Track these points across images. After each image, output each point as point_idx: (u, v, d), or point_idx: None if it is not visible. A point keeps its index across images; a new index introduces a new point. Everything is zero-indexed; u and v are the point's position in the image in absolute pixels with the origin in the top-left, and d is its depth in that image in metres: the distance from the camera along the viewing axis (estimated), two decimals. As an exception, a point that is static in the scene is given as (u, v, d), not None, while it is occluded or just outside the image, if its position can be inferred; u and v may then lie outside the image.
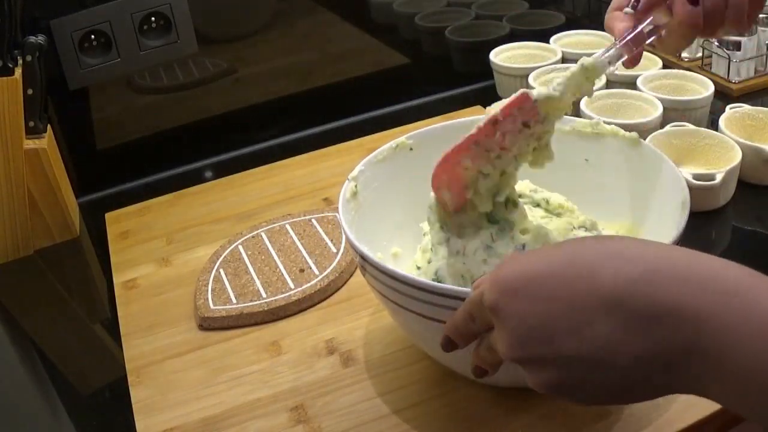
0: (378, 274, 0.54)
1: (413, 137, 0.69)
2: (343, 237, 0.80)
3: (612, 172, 0.68)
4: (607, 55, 0.56)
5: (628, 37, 0.56)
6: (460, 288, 0.50)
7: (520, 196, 0.65)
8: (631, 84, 0.98)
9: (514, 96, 0.54)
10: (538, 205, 0.65)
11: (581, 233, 0.62)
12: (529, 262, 0.41)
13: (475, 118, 0.73)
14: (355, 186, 0.64)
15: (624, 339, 0.36)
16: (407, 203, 0.68)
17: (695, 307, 0.35)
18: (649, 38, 0.57)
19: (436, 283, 0.52)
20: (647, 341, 0.36)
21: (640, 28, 0.57)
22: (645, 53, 1.08)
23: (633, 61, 0.57)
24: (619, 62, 0.57)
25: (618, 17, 0.59)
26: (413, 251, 0.66)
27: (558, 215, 0.65)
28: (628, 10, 0.58)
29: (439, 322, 0.52)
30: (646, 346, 0.36)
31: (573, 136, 0.69)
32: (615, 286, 0.36)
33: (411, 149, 0.69)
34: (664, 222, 0.60)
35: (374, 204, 0.65)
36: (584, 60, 0.55)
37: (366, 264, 0.55)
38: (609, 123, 0.69)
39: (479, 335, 0.46)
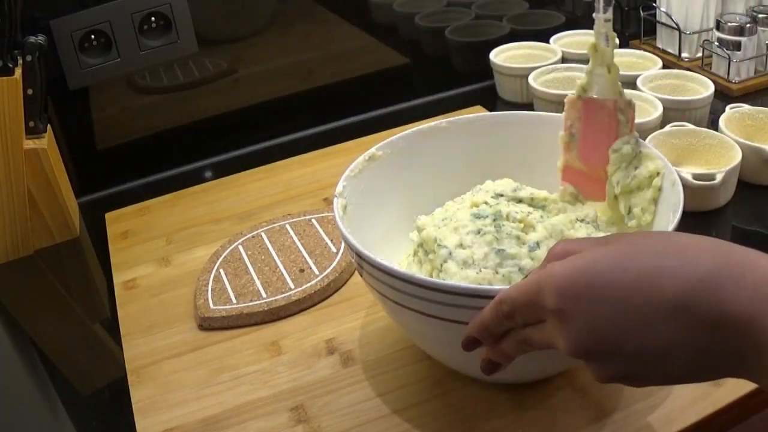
0: (375, 272, 0.54)
1: (383, 147, 0.68)
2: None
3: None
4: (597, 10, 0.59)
5: None
6: (458, 284, 0.50)
7: (501, 194, 0.65)
8: (631, 84, 0.98)
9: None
10: (521, 201, 0.65)
11: (582, 226, 0.62)
12: (588, 263, 0.41)
13: (467, 117, 0.74)
14: (344, 200, 0.63)
15: (685, 339, 0.38)
16: (391, 213, 0.68)
17: (750, 311, 0.37)
18: None
19: (435, 280, 0.52)
20: (708, 342, 0.38)
21: None
22: (644, 53, 1.09)
23: None
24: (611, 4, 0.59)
25: None
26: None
27: (543, 208, 0.66)
28: None
29: (438, 319, 0.52)
30: (707, 346, 0.38)
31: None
32: (675, 292, 0.38)
33: (383, 158, 0.68)
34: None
35: (360, 218, 0.64)
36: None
37: (363, 262, 0.55)
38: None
39: (508, 332, 0.47)
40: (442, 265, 0.58)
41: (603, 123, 0.63)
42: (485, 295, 0.48)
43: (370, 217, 0.66)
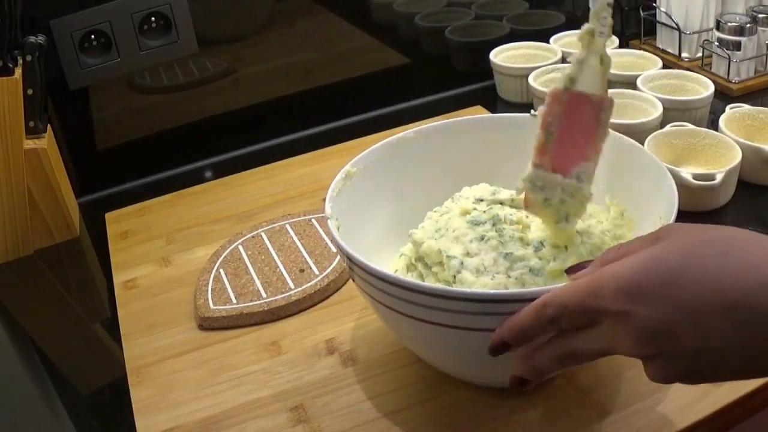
0: (368, 277, 0.54)
1: (357, 163, 0.67)
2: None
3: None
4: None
5: None
6: (450, 288, 0.50)
7: (481, 200, 0.65)
8: (631, 84, 0.98)
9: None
10: (501, 204, 0.65)
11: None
12: (649, 261, 0.41)
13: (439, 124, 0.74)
14: (336, 222, 0.62)
15: (748, 337, 0.38)
16: (374, 228, 0.67)
17: None
18: None
19: (424, 284, 0.52)
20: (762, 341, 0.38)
21: None
22: (644, 53, 1.09)
23: None
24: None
25: None
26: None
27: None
28: None
29: (429, 324, 0.52)
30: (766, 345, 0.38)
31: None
32: (737, 292, 0.38)
33: (358, 174, 0.67)
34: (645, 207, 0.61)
35: (347, 236, 0.63)
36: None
37: (354, 266, 0.55)
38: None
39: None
40: (455, 276, 0.58)
41: (586, 123, 0.57)
42: (505, 300, 0.48)
43: (356, 234, 0.64)
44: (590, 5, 0.55)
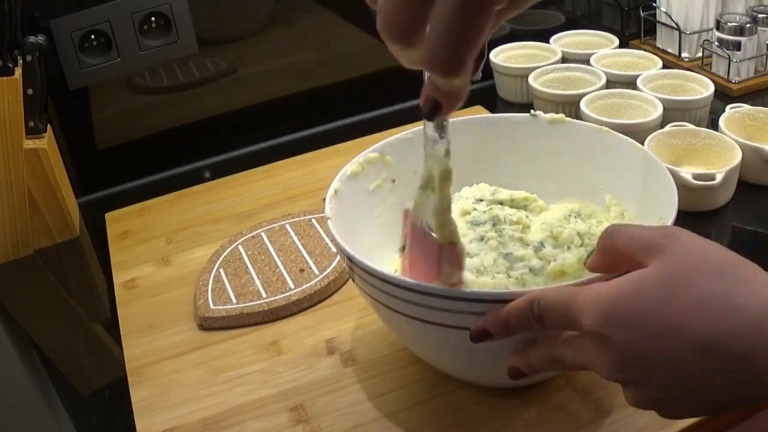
0: (368, 277, 0.54)
1: (357, 163, 0.66)
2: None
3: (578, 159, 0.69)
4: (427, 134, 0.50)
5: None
6: (450, 288, 0.50)
7: (480, 200, 0.65)
8: (631, 84, 0.98)
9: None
10: (501, 204, 0.65)
11: (576, 220, 0.62)
12: (633, 289, 0.41)
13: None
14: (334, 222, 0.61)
15: (721, 376, 0.39)
16: (378, 228, 0.67)
17: None
18: None
19: (424, 284, 0.52)
20: (742, 380, 0.38)
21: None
22: (644, 53, 1.08)
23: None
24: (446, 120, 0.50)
25: None
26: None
27: (525, 207, 0.66)
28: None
29: (429, 324, 0.52)
30: (740, 384, 0.38)
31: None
32: (714, 333, 0.38)
33: (358, 175, 0.67)
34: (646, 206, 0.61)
35: (349, 235, 0.62)
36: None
37: (354, 266, 0.55)
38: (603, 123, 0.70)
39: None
40: None
41: (427, 257, 0.51)
42: (505, 300, 0.48)
43: (356, 234, 0.64)
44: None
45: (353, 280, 0.58)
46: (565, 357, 0.45)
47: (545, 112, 0.70)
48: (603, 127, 0.68)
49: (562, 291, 0.44)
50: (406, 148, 0.69)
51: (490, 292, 0.51)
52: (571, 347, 0.45)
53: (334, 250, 0.79)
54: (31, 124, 0.86)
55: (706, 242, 0.42)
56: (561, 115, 0.69)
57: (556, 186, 0.69)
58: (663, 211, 0.58)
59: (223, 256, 0.81)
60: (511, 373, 0.50)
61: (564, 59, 1.10)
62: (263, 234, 0.84)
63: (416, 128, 0.71)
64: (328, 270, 0.76)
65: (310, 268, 0.77)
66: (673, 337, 0.39)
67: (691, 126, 0.88)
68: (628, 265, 0.43)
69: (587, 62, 1.06)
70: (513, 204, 0.65)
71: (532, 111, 0.70)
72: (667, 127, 0.87)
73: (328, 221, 0.59)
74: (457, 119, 0.72)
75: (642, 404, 0.42)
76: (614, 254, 0.45)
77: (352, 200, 0.65)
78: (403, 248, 0.55)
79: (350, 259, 0.54)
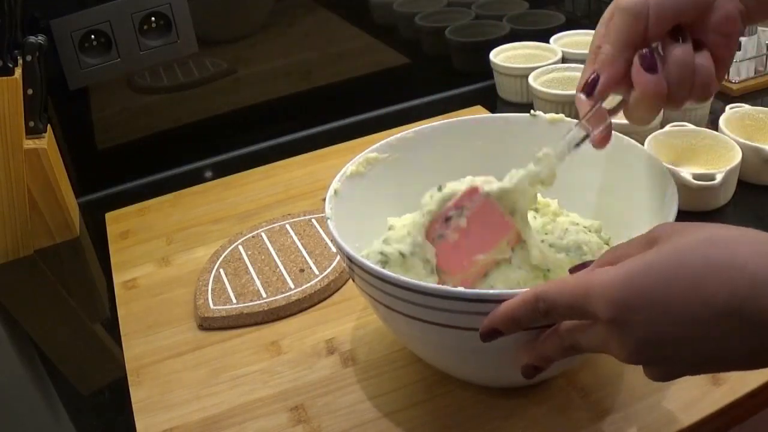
0: (367, 277, 0.54)
1: (357, 163, 0.66)
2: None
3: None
4: (566, 140, 0.55)
5: (587, 115, 0.53)
6: (446, 288, 0.50)
7: None
8: (631, 84, 0.98)
9: (464, 188, 0.57)
10: None
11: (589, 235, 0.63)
12: (638, 272, 0.41)
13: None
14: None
15: (738, 344, 0.39)
16: (377, 228, 0.66)
17: None
18: (614, 114, 0.53)
19: (424, 284, 0.52)
20: (757, 342, 0.39)
21: (599, 105, 0.53)
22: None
23: (601, 141, 0.54)
24: (586, 142, 0.54)
25: (582, 96, 0.55)
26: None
27: (536, 210, 0.66)
28: (581, 96, 0.53)
29: (429, 323, 0.52)
30: (759, 346, 0.39)
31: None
32: (726, 299, 0.39)
33: (358, 175, 0.67)
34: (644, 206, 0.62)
35: (349, 235, 0.63)
36: (539, 154, 0.56)
37: (354, 266, 0.55)
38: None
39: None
40: None
41: (487, 232, 0.58)
42: (503, 300, 0.48)
43: (356, 234, 0.65)
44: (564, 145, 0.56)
45: (353, 280, 0.58)
46: (580, 343, 0.46)
47: (545, 112, 0.70)
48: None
49: (566, 285, 0.44)
50: (406, 148, 0.69)
51: (489, 293, 0.51)
52: (585, 333, 0.45)
53: (334, 250, 0.79)
54: (31, 124, 0.86)
55: (697, 223, 0.44)
56: (561, 115, 0.69)
57: (555, 186, 0.69)
58: (664, 211, 0.58)
59: (223, 256, 0.81)
60: (525, 372, 0.50)
61: (564, 59, 1.10)
62: (263, 234, 0.84)
63: (417, 128, 0.71)
64: (328, 270, 0.76)
65: (310, 268, 0.77)
66: (684, 313, 0.39)
67: (691, 126, 0.88)
68: None
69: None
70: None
71: (532, 111, 0.70)
72: (667, 127, 0.87)
73: (328, 221, 0.59)
74: (458, 119, 0.72)
75: (662, 378, 0.44)
76: (614, 263, 0.45)
77: (352, 200, 0.65)
78: (448, 219, 0.58)
79: (350, 259, 0.54)
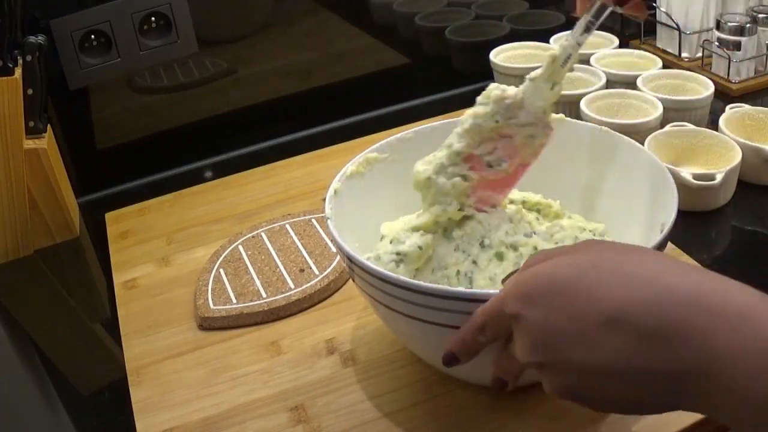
0: (368, 277, 0.54)
1: (356, 163, 0.67)
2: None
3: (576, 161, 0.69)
4: (574, 33, 0.58)
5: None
6: (446, 287, 0.50)
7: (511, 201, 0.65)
8: (631, 84, 0.98)
9: None
10: (512, 203, 0.65)
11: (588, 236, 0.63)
12: (549, 269, 0.41)
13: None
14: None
15: (632, 355, 0.37)
16: (377, 228, 0.67)
17: (703, 329, 0.35)
18: None
19: (424, 284, 0.52)
20: (655, 358, 0.37)
21: None
22: (644, 53, 1.08)
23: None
24: (607, 12, 0.57)
25: None
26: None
27: (537, 210, 0.66)
28: None
29: (428, 323, 0.52)
30: (654, 364, 0.37)
31: None
32: (625, 304, 0.38)
33: (358, 174, 0.67)
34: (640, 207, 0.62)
35: (349, 235, 0.63)
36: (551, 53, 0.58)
37: (354, 266, 0.55)
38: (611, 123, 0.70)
39: (484, 348, 0.47)
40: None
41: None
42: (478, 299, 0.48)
43: (356, 234, 0.65)
44: (569, 34, 0.58)
45: (353, 281, 0.58)
46: (515, 352, 0.45)
47: None
48: (603, 127, 0.68)
49: (495, 295, 0.45)
50: (406, 148, 0.69)
51: (486, 293, 0.51)
52: (514, 341, 0.44)
53: (334, 250, 0.79)
54: (31, 124, 0.86)
55: (623, 244, 0.44)
56: (561, 115, 0.69)
57: (555, 186, 0.69)
58: (663, 211, 0.58)
59: (223, 256, 0.81)
60: (494, 386, 0.50)
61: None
62: (263, 234, 0.84)
63: (417, 128, 0.71)
64: (328, 270, 0.76)
65: (310, 268, 0.77)
66: (582, 313, 0.39)
67: (691, 126, 0.88)
68: None
69: (587, 62, 1.06)
70: (527, 206, 0.65)
71: None
72: (667, 127, 0.87)
73: (328, 221, 0.59)
74: (455, 120, 0.72)
75: (558, 390, 0.41)
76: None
77: (352, 200, 0.65)
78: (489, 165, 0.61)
79: (350, 259, 0.54)
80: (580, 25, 0.58)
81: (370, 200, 0.67)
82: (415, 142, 0.70)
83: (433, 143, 0.70)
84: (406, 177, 0.69)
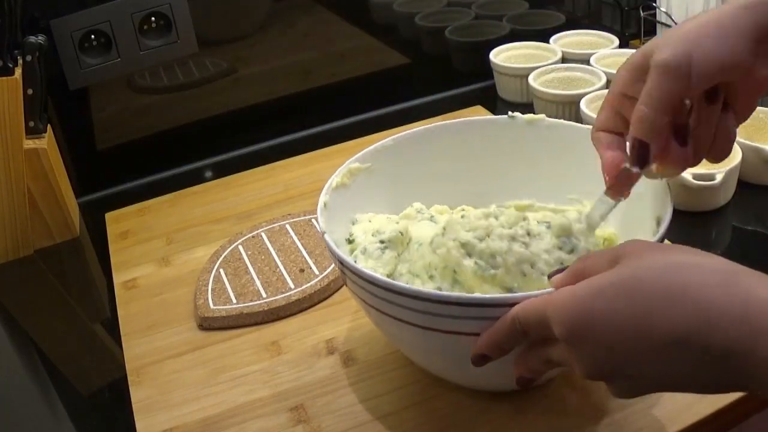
0: (359, 281, 0.53)
1: (355, 163, 0.66)
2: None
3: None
4: (599, 213, 0.54)
5: (618, 184, 0.52)
6: (446, 293, 0.50)
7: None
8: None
9: None
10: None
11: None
12: (589, 297, 0.42)
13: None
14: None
15: (689, 371, 0.39)
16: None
17: (751, 346, 0.37)
18: (638, 178, 0.51)
19: (420, 289, 0.51)
20: (707, 371, 0.39)
21: (629, 167, 0.51)
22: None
23: (627, 195, 0.54)
24: (616, 206, 0.54)
25: (605, 140, 0.53)
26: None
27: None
28: (627, 166, 0.51)
29: (420, 328, 0.52)
30: (707, 374, 0.39)
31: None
32: (671, 329, 0.39)
33: (356, 175, 0.67)
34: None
35: (344, 237, 0.65)
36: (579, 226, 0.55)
37: (346, 270, 0.54)
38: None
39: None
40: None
41: None
42: (493, 304, 0.48)
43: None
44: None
45: (345, 284, 0.58)
46: (552, 357, 0.46)
47: (545, 112, 0.70)
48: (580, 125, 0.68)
49: (535, 304, 0.45)
50: (385, 157, 0.68)
51: (477, 297, 0.50)
52: (555, 348, 0.46)
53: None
54: (31, 124, 0.86)
55: (664, 245, 0.44)
56: (541, 116, 0.69)
57: (550, 187, 0.69)
58: (659, 212, 0.57)
59: (223, 256, 0.81)
60: (519, 383, 0.51)
61: (564, 59, 1.10)
62: (263, 234, 0.84)
63: (395, 135, 0.69)
64: (328, 270, 0.76)
65: (310, 268, 0.77)
66: (638, 336, 0.40)
67: (691, 126, 0.88)
68: None
69: (587, 62, 1.06)
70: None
71: (509, 113, 0.69)
72: (667, 127, 0.87)
73: (324, 235, 0.58)
74: (458, 120, 0.72)
75: (625, 397, 0.44)
76: (578, 278, 0.45)
77: (351, 201, 0.65)
78: None
79: (342, 263, 0.54)
80: (604, 206, 0.54)
81: (368, 200, 0.67)
82: (416, 142, 0.70)
83: (433, 143, 0.71)
84: (405, 176, 0.69)
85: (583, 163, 0.67)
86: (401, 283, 0.54)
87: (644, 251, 0.43)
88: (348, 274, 0.55)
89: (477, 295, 0.53)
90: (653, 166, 0.49)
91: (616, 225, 0.65)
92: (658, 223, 0.56)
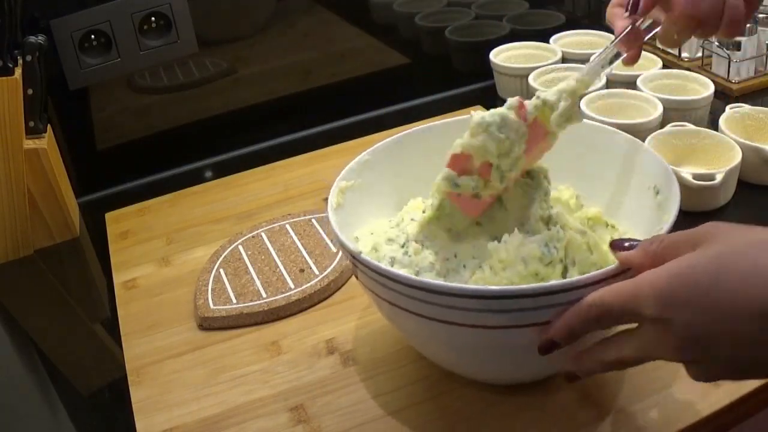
0: (373, 275, 0.54)
1: (356, 163, 0.66)
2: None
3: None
4: (600, 57, 0.57)
5: (623, 35, 0.57)
6: (455, 285, 0.50)
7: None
8: (631, 84, 0.98)
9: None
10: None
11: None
12: (685, 270, 0.42)
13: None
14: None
15: None
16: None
17: None
18: (647, 34, 0.57)
19: (438, 282, 0.52)
20: None
21: (636, 24, 0.58)
22: (644, 53, 1.08)
23: (632, 59, 0.58)
24: (618, 61, 0.57)
25: (618, 14, 0.59)
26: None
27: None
28: (616, 11, 0.59)
29: (434, 321, 0.52)
30: None
31: None
32: (765, 303, 0.39)
33: (358, 175, 0.67)
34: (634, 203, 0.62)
35: (350, 234, 0.64)
36: (576, 75, 0.57)
37: (359, 264, 0.55)
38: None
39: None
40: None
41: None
42: (509, 296, 0.49)
43: (357, 232, 0.65)
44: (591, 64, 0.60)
45: (356, 277, 0.58)
46: (626, 356, 0.46)
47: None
48: (605, 126, 0.68)
49: (618, 289, 0.46)
50: (407, 148, 0.69)
51: (492, 289, 0.51)
52: (630, 344, 0.46)
53: (334, 250, 0.79)
54: (31, 124, 0.86)
55: (745, 226, 0.44)
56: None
57: (570, 180, 0.69)
58: (664, 209, 0.58)
59: (223, 256, 0.81)
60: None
61: (564, 59, 1.10)
62: (263, 234, 0.84)
63: (418, 128, 0.71)
64: (328, 270, 0.76)
65: (310, 268, 0.77)
66: (732, 310, 0.40)
67: (691, 126, 0.88)
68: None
69: (587, 62, 1.06)
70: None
71: (471, 111, 0.69)
72: (667, 127, 0.87)
73: (331, 218, 0.59)
74: (458, 119, 0.72)
75: (707, 379, 0.44)
76: (656, 260, 0.46)
77: (353, 200, 0.65)
78: None
79: (354, 257, 0.54)
80: (597, 62, 0.59)
81: (369, 200, 0.67)
82: (416, 142, 0.70)
83: (433, 143, 0.70)
84: (406, 176, 0.69)
85: (583, 159, 0.68)
86: (410, 275, 0.53)
87: (726, 232, 0.44)
88: (359, 267, 0.55)
89: (494, 287, 0.53)
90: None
91: (602, 205, 0.65)
92: (657, 192, 0.56)
